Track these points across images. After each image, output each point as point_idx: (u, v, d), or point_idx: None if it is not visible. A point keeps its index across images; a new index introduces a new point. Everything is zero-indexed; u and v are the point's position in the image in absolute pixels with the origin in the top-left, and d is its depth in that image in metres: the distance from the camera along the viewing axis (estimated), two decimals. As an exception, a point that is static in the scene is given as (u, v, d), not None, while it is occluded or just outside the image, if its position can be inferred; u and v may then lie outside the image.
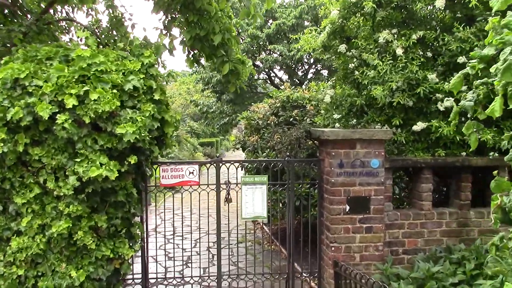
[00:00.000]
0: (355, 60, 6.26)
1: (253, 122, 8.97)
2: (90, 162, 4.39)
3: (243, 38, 20.45)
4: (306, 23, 21.11)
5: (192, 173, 5.53)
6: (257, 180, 5.66)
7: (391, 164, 5.65)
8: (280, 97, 8.90)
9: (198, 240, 6.28)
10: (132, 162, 4.58)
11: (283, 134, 6.88)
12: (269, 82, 23.20)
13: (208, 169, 5.97)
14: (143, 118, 4.60)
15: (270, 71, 22.48)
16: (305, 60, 20.25)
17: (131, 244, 5.03)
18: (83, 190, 4.47)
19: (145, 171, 5.17)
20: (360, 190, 5.49)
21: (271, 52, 20.29)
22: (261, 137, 8.68)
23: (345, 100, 6.50)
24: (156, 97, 4.94)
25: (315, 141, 6.46)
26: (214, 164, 5.67)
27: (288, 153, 6.08)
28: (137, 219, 5.42)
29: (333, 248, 5.50)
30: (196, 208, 6.09)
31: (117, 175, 4.44)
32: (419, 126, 5.80)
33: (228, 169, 5.81)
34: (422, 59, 5.85)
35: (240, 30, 20.76)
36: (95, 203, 4.62)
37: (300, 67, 21.07)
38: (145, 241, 5.72)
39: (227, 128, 25.54)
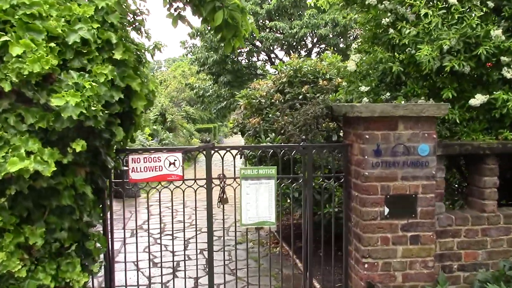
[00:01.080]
0: (389, 14, 4.74)
1: (254, 101, 7.46)
2: (11, 150, 2.90)
3: (241, 14, 18.85)
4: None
5: (174, 163, 4.05)
6: (262, 173, 4.19)
7: (444, 150, 4.16)
8: (286, 71, 7.38)
9: (195, 240, 4.82)
10: (79, 149, 3.09)
11: (295, 113, 5.39)
12: (269, 63, 21.63)
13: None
14: (94, 85, 3.11)
15: (270, 52, 20.91)
16: (309, 38, 18.66)
17: (86, 264, 3.57)
18: (3, 192, 2.99)
19: (106, 162, 3.68)
20: (403, 186, 4.01)
21: (272, 30, 18.71)
22: (264, 119, 7.19)
23: (375, 67, 5.00)
24: (118, 56, 3.44)
25: (338, 122, 4.98)
26: (204, 152, 4.19)
27: (303, 137, 4.58)
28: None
29: (366, 265, 4.03)
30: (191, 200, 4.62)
31: (55, 169, 2.96)
32: (477, 99, 4.31)
33: (222, 158, 4.34)
34: (483, 10, 4.34)
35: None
36: (25, 210, 3.14)
37: (303, 46, 19.48)
38: (110, 257, 4.23)
39: (225, 113, 24.03)
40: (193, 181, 4.24)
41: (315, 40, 18.81)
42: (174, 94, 29.34)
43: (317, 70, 7.22)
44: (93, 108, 3.03)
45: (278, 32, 18.70)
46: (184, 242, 4.94)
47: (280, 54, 21.80)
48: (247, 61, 21.46)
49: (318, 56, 15.81)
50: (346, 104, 4.30)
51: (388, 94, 4.85)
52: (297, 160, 5.31)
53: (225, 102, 21.85)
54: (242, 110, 7.74)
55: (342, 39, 18.58)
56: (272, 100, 7.31)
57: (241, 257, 5.93)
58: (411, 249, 4.05)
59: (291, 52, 19.04)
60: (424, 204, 4.03)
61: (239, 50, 19.62)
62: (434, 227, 4.08)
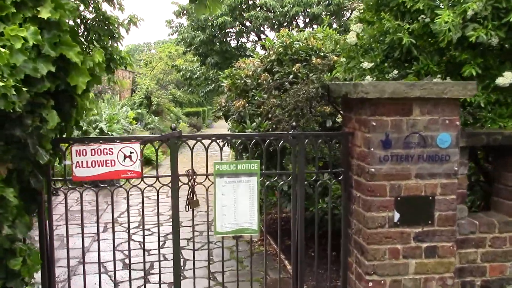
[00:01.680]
0: (399, -27, 3.90)
1: (238, 81, 6.60)
2: None
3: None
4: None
5: (130, 157, 3.20)
6: (242, 169, 3.37)
7: (469, 141, 3.35)
8: (275, 48, 6.53)
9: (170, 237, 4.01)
10: (-18, 141, 2.24)
11: (284, 94, 4.57)
12: (259, 45, 20.67)
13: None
14: (3, 51, 2.25)
15: (260, 33, 19.94)
16: (301, 18, 17.71)
17: (10, 289, 2.74)
18: None
19: (38, 155, 2.82)
20: (418, 186, 3.20)
21: (262, 8, 17.74)
22: (250, 102, 6.35)
23: (379, 40, 4.17)
24: (45, 14, 2.59)
25: (336, 105, 4.15)
26: (167, 142, 3.35)
27: (293, 123, 3.74)
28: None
29: (370, 284, 3.24)
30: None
31: None
32: (506, 78, 3.50)
33: (191, 150, 3.52)
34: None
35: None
36: None
37: (294, 27, 18.52)
38: (48, 273, 3.39)
39: (213, 96, 23.11)
40: (155, 178, 3.39)
41: (307, 20, 17.85)
42: (161, 76, 28.29)
43: (310, 46, 6.36)
44: (1, 84, 2.18)
45: (269, 11, 17.74)
46: (159, 241, 4.13)
47: (271, 35, 20.87)
48: (236, 42, 20.51)
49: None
50: (347, 83, 3.47)
51: (395, 71, 4.02)
52: (286, 151, 4.50)
53: (213, 85, 20.91)
54: (226, 92, 6.89)
55: (335, 19, 17.67)
56: (259, 81, 6.47)
57: (221, 257, 5.13)
58: (427, 263, 3.26)
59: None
60: (443, 208, 3.23)
61: (227, 30, 18.69)
62: (454, 236, 3.29)
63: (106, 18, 6.99)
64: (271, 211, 7.64)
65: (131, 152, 3.16)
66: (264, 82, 6.31)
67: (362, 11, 4.47)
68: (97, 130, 15.33)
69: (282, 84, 5.08)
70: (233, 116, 6.39)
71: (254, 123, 6.01)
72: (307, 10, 16.71)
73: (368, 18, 4.39)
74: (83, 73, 2.80)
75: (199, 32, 18.28)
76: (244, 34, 20.23)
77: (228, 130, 7.03)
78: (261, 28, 19.29)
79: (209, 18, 17.49)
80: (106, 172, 3.16)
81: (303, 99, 3.92)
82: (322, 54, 6.28)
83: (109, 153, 3.13)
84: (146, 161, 15.54)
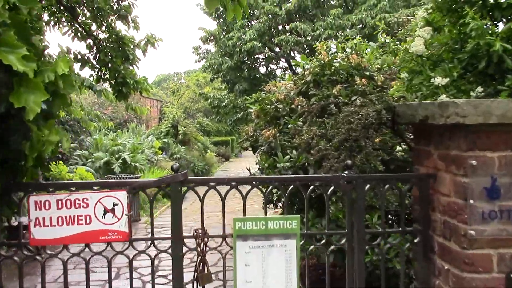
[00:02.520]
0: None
1: (268, 107, 5.63)
2: None
3: (259, 17, 17.11)
4: (334, 1, 17.73)
5: (113, 211, 2.22)
6: (275, 228, 2.33)
7: None
8: (311, 68, 5.55)
9: None
10: None
11: (329, 120, 3.56)
12: (289, 70, 19.81)
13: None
14: None
15: (291, 58, 19.09)
16: (333, 41, 16.78)
17: None
18: None
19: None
20: (541, 258, 2.12)
21: (292, 32, 16.89)
22: (282, 130, 5.36)
23: (453, 48, 3.14)
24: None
25: (402, 134, 3.12)
26: (168, 189, 2.35)
27: (347, 161, 2.69)
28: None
29: None
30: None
31: None
32: None
33: (202, 201, 2.51)
34: None
35: (254, 8, 17.44)
36: None
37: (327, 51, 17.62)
38: None
39: (242, 124, 22.24)
40: (149, 242, 2.38)
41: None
42: (188, 104, 27.67)
43: (353, 64, 5.36)
44: None
45: (299, 35, 16.90)
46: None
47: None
48: (265, 68, 19.70)
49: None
50: (427, 102, 2.43)
51: (479, 89, 2.96)
52: (336, 197, 3.46)
53: (241, 113, 20.07)
54: (254, 119, 5.91)
55: (368, 42, 16.68)
56: (293, 106, 5.49)
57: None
58: None
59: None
60: None
61: (256, 56, 17.90)
62: None
63: (120, 38, 6.13)
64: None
65: (114, 204, 2.18)
66: (299, 107, 5.33)
67: (430, 11, 3.44)
68: (119, 161, 14.58)
69: (325, 108, 4.08)
70: (262, 148, 5.39)
71: (287, 156, 5.00)
72: (340, 33, 15.78)
73: (437, 20, 3.37)
74: (36, 89, 1.84)
75: (227, 58, 17.53)
76: (273, 60, 19.43)
77: (256, 164, 6.03)
78: (292, 54, 18.45)
79: (237, 43, 16.76)
80: (78, 233, 2.19)
81: (358, 127, 2.89)
82: (367, 73, 5.27)
83: (83, 206, 2.16)
84: (169, 194, 14.47)
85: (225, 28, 18.28)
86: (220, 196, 2.49)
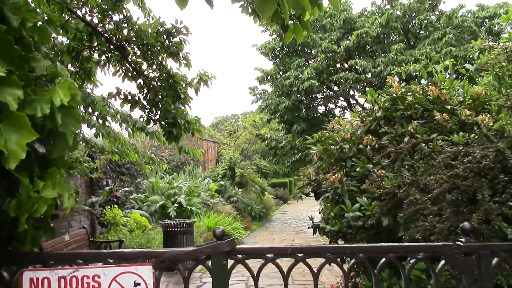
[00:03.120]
0: None
1: (332, 147, 5.01)
2: None
3: (316, 55, 16.65)
4: (394, 37, 17.04)
5: (135, 292, 1.64)
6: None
7: None
8: (381, 102, 4.92)
9: None
10: None
11: (420, 164, 2.89)
12: (348, 109, 19.10)
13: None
14: None
15: (350, 97, 18.43)
16: (396, 78, 15.97)
17: None
18: None
19: None
20: None
21: (351, 69, 16.31)
22: (349, 174, 4.71)
23: None
24: None
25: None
26: (208, 262, 1.75)
27: (464, 224, 1.98)
28: None
29: None
30: None
31: None
32: None
33: (256, 278, 1.89)
34: None
35: (311, 46, 17.04)
36: None
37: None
38: None
39: (300, 166, 21.55)
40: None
41: (402, 81, 16.11)
42: (245, 146, 27.34)
43: (430, 98, 4.67)
44: None
45: (358, 73, 16.28)
46: None
47: (361, 100, 19.24)
48: (323, 107, 19.11)
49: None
50: None
51: None
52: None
53: (299, 154, 19.46)
54: (316, 161, 5.28)
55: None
56: (360, 146, 4.84)
57: None
58: None
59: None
60: None
61: (314, 95, 17.35)
62: None
63: (171, 76, 5.72)
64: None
65: (135, 284, 1.60)
66: (368, 147, 4.68)
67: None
68: (175, 205, 14.22)
69: (415, 147, 3.41)
70: (327, 194, 4.73)
71: (357, 205, 4.31)
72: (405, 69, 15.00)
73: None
74: (20, 125, 1.31)
75: (284, 98, 17.11)
76: (332, 99, 18.85)
77: (319, 211, 5.34)
78: (351, 92, 17.81)
79: (295, 82, 16.32)
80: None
81: (467, 172, 2.19)
82: (448, 107, 4.56)
83: (94, 285, 1.59)
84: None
85: (281, 67, 17.96)
86: (281, 274, 1.85)
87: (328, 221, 4.51)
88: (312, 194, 5.54)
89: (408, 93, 4.72)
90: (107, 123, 9.06)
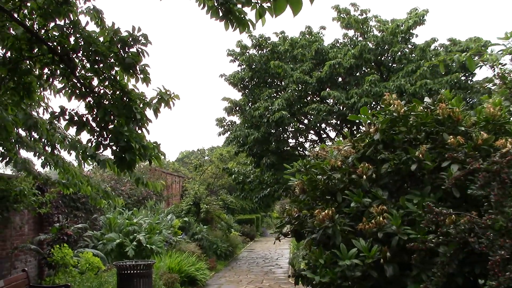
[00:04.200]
0: None
1: (319, 177, 4.13)
2: None
3: (287, 86, 15.97)
4: (367, 69, 16.58)
5: None
6: None
7: None
8: (378, 123, 4.09)
9: None
10: None
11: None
12: (319, 142, 18.38)
13: None
14: None
15: (321, 130, 17.75)
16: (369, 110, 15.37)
17: None
18: None
19: None
20: None
21: (323, 101, 15.66)
22: (341, 210, 3.82)
23: None
24: None
25: None
26: None
27: None
28: None
29: None
30: None
31: None
32: None
33: None
34: None
35: (282, 77, 16.38)
36: None
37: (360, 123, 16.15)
38: None
39: (269, 202, 20.59)
40: None
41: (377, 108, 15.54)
42: (211, 180, 26.25)
43: (439, 117, 3.86)
44: None
45: (331, 104, 15.65)
46: None
47: (332, 134, 18.58)
48: (294, 140, 18.35)
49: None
50: None
51: None
52: None
53: (268, 189, 18.53)
54: (297, 194, 4.35)
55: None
56: (353, 176, 3.98)
57: None
58: None
59: (346, 130, 15.89)
60: None
61: (285, 127, 16.55)
62: None
63: (125, 92, 4.80)
64: None
65: None
66: (364, 177, 3.82)
67: None
68: (134, 243, 12.98)
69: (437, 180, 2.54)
70: (314, 235, 3.80)
71: (354, 250, 3.41)
72: (378, 101, 14.46)
73: None
74: None
75: (253, 130, 16.27)
76: (303, 132, 18.11)
77: (301, 260, 4.39)
78: (322, 125, 17.13)
79: (265, 113, 15.54)
80: None
81: None
82: (462, 128, 3.76)
83: None
84: (189, 281, 12.83)
85: (251, 98, 17.21)
86: None
87: (315, 270, 3.57)
88: (292, 236, 4.60)
89: (411, 113, 3.91)
90: (55, 151, 7.98)
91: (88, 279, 9.73)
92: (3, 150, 7.66)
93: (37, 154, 7.85)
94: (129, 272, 9.17)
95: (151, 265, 9.56)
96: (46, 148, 7.80)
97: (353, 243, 3.47)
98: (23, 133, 7.74)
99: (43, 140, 7.48)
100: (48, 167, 8.17)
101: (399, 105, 3.90)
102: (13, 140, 7.71)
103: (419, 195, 3.54)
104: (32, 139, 7.52)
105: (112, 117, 5.05)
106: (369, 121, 4.20)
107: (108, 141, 5.33)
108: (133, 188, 17.99)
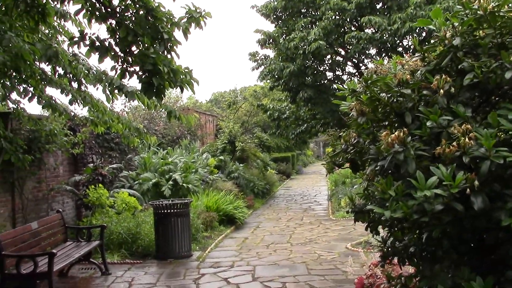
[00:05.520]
0: None
1: (383, 95, 3.47)
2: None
3: (324, 13, 14.91)
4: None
5: None
6: None
7: None
8: (458, 25, 3.35)
9: None
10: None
11: None
12: (357, 75, 17.42)
13: None
14: None
15: (361, 59, 16.73)
16: (416, 35, 14.24)
17: None
18: None
19: None
20: None
21: (363, 27, 14.58)
22: (413, 132, 3.15)
23: None
24: None
25: None
26: None
27: None
28: None
29: None
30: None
31: None
32: None
33: None
34: None
35: (318, 5, 15.30)
36: None
37: (407, 49, 15.06)
38: None
39: (305, 138, 20.02)
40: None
41: (423, 35, 14.37)
42: (245, 118, 25.71)
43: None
44: None
45: (373, 30, 14.59)
46: None
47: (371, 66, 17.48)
48: (331, 73, 17.45)
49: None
50: None
51: None
52: None
53: (305, 125, 17.91)
54: (355, 117, 3.68)
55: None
56: (424, 92, 3.29)
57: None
58: None
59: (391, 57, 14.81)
60: None
61: (322, 58, 15.66)
62: None
63: (150, 9, 4.13)
64: None
65: None
66: (441, 91, 3.12)
67: None
68: (170, 182, 12.69)
69: None
70: (380, 163, 3.17)
71: (434, 178, 2.76)
72: (423, 28, 13.33)
73: None
74: None
75: (288, 62, 15.43)
76: (340, 64, 17.16)
77: (354, 199, 3.80)
78: (362, 55, 16.12)
79: (300, 45, 14.64)
80: None
81: None
82: None
83: None
84: (228, 220, 12.53)
85: (285, 30, 16.25)
86: None
87: (383, 204, 2.96)
88: (348, 167, 3.98)
89: (505, 8, 3.13)
90: (82, 87, 7.48)
91: (125, 219, 9.49)
92: (26, 86, 7.21)
93: (64, 91, 7.38)
94: (166, 211, 8.84)
95: (188, 204, 9.21)
96: (72, 84, 7.31)
97: (429, 172, 2.82)
98: (47, 69, 7.25)
99: (68, 75, 6.98)
100: (77, 104, 7.72)
101: (485, 0, 3.11)
102: (38, 77, 7.26)
103: (514, 110, 2.84)
104: (57, 74, 7.02)
105: (136, 37, 4.42)
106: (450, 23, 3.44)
107: (133, 67, 4.75)
108: (167, 128, 17.64)
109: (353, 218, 3.69)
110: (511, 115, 2.80)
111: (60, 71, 6.84)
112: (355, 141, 3.61)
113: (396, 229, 3.58)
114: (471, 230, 3.02)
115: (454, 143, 2.84)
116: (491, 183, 2.80)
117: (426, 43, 3.65)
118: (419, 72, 3.47)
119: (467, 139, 2.79)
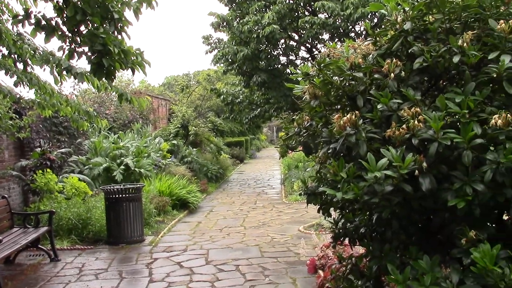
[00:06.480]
0: None
1: (335, 78, 3.49)
2: None
3: (277, -2, 14.89)
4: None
5: None
6: None
7: None
8: (409, 10, 3.42)
9: None
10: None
11: None
12: (310, 59, 17.54)
13: None
14: None
15: (314, 44, 16.83)
16: (368, 21, 14.45)
17: None
18: None
19: None
20: None
21: (317, 12, 14.66)
22: (364, 115, 3.20)
23: None
24: None
25: None
26: None
27: None
28: None
29: None
30: None
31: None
32: None
33: None
34: None
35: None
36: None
37: (359, 35, 15.28)
38: None
39: (258, 122, 20.08)
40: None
41: (375, 20, 14.59)
42: (199, 102, 25.48)
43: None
44: None
45: (326, 15, 14.68)
46: None
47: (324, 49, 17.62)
48: (285, 58, 17.48)
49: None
50: None
51: None
52: None
53: (258, 110, 17.92)
54: (308, 101, 3.69)
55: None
56: (376, 76, 3.34)
57: None
58: None
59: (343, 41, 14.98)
60: None
61: (276, 43, 15.66)
62: None
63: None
64: None
65: None
66: (391, 75, 3.19)
67: None
68: (122, 167, 12.46)
69: None
70: (333, 145, 3.21)
71: (384, 160, 2.81)
72: (375, 12, 13.54)
73: None
74: None
75: (242, 46, 15.35)
76: (293, 49, 17.21)
77: (307, 181, 3.84)
78: (315, 40, 16.21)
79: (254, 28, 14.59)
80: None
81: None
82: (513, 12, 3.08)
83: None
84: (181, 204, 12.47)
85: (239, 13, 16.13)
86: None
87: (335, 186, 3.01)
88: (299, 150, 4.02)
89: (450, -5, 3.20)
90: (28, 68, 7.17)
91: (75, 205, 9.25)
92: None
93: (9, 72, 7.06)
94: (117, 196, 8.68)
95: (140, 189, 9.07)
96: (18, 65, 7.00)
97: (380, 154, 2.88)
98: (-12, 49, 6.90)
99: (13, 56, 6.67)
100: (22, 86, 7.41)
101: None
102: (-22, 57, 6.91)
103: (460, 93, 2.92)
104: (1, 55, 6.71)
105: (84, 16, 4.26)
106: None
107: (82, 48, 4.58)
108: (118, 112, 17.25)
109: (305, 201, 3.74)
110: (458, 99, 2.88)
111: (4, 51, 6.53)
112: (308, 124, 3.64)
113: (347, 210, 3.66)
114: (419, 211, 3.11)
115: (404, 126, 2.90)
116: (439, 165, 2.88)
117: (378, 29, 3.71)
118: (371, 56, 3.51)
119: (416, 122, 2.86)
